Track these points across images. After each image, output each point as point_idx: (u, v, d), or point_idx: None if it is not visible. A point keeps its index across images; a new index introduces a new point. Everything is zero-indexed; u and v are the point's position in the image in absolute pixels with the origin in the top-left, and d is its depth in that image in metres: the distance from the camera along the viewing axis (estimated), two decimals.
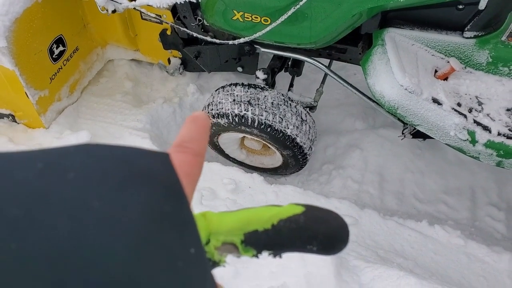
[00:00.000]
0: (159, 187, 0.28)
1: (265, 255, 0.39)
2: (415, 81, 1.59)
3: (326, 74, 2.18)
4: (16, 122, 2.42)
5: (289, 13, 1.69)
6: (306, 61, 2.04)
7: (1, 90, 2.20)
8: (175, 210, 0.28)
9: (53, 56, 2.26)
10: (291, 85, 2.25)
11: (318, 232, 0.38)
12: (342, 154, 2.36)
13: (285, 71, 2.28)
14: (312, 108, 2.16)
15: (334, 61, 2.17)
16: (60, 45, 2.29)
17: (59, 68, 2.33)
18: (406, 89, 1.59)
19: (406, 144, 2.37)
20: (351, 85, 2.05)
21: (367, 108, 2.51)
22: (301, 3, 1.64)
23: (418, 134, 1.98)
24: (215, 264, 0.38)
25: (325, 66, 2.06)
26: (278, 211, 0.38)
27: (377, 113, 2.48)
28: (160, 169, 0.29)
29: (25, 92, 2.13)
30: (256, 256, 0.39)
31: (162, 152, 0.31)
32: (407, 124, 1.85)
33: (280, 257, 0.39)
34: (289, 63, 2.27)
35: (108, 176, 0.27)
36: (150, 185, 0.27)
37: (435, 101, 1.60)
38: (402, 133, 2.06)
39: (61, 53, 2.31)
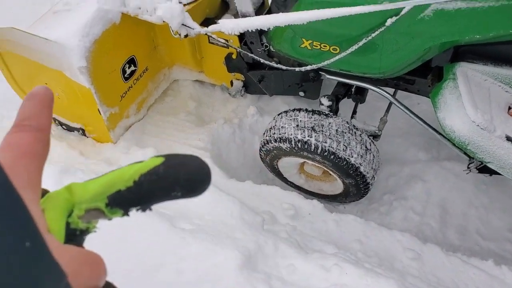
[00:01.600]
0: None
1: (133, 212, 0.39)
2: (488, 118, 1.55)
3: (390, 103, 2.16)
4: (85, 136, 2.54)
5: (360, 43, 1.70)
6: (371, 89, 2.04)
7: (75, 105, 2.32)
8: (2, 206, 0.27)
9: (125, 75, 2.37)
10: (355, 112, 2.24)
11: (178, 178, 0.37)
12: (404, 184, 2.31)
13: (348, 98, 2.28)
14: (376, 136, 2.14)
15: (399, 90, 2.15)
16: (132, 65, 2.40)
17: (129, 87, 2.43)
18: (478, 125, 1.54)
19: (470, 178, 2.29)
20: (416, 115, 2.01)
21: (431, 139, 2.45)
22: (373, 34, 1.65)
23: (484, 169, 1.91)
24: (84, 232, 0.38)
25: (391, 95, 2.04)
26: (139, 167, 0.38)
27: (442, 145, 2.42)
28: None
29: (98, 109, 2.24)
30: (126, 214, 0.39)
31: None
32: (473, 158, 1.79)
33: (150, 209, 0.39)
34: (353, 90, 2.26)
35: None
36: None
37: (509, 139, 1.55)
38: (468, 168, 1.99)
39: (132, 73, 2.42)
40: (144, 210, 0.38)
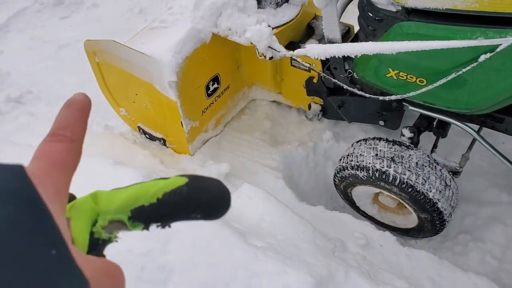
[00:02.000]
0: (13, 199, 0.28)
1: (153, 227, 0.39)
2: None
3: (474, 140, 2.09)
4: (166, 146, 2.67)
5: (449, 77, 1.67)
6: (455, 124, 1.98)
7: (160, 116, 2.45)
8: (31, 218, 0.28)
9: (208, 92, 2.47)
10: (435, 146, 2.18)
11: (200, 201, 0.38)
12: (482, 226, 2.21)
13: (429, 131, 2.23)
14: (456, 173, 2.08)
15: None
16: (215, 82, 2.50)
17: (210, 103, 2.53)
18: None
19: None
20: (501, 154, 1.93)
21: None
22: (464, 69, 1.62)
23: None
24: (105, 241, 0.39)
25: (475, 131, 1.98)
26: (163, 184, 0.38)
27: None
28: (13, 181, 0.30)
29: (181, 122, 2.35)
30: (146, 229, 0.39)
31: (15, 165, 0.31)
32: None
33: (169, 227, 0.39)
34: (435, 123, 2.21)
35: None
36: (3, 198, 0.28)
37: None
38: None
39: (215, 90, 2.52)
40: (163, 227, 0.39)
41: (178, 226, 1.44)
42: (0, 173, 0.30)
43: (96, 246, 0.39)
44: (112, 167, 1.88)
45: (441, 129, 2.18)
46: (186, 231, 1.65)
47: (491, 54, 1.53)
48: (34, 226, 0.28)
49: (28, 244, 0.27)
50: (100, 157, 2.00)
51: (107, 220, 0.39)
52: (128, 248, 1.59)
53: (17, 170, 0.31)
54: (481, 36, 1.54)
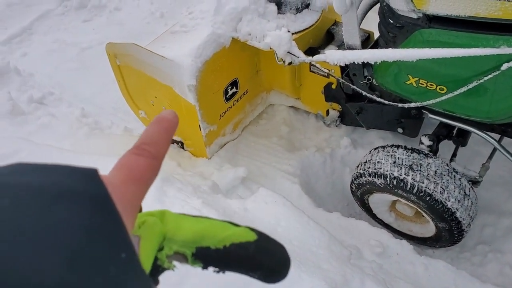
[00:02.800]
0: (88, 203, 0.29)
1: (210, 270, 0.39)
2: None
3: (494, 149, 2.06)
4: (183, 149, 2.69)
5: (470, 85, 1.65)
6: (476, 133, 1.96)
7: (178, 119, 2.47)
8: (104, 222, 0.29)
9: (226, 96, 2.49)
10: (454, 155, 2.16)
11: (263, 264, 0.38)
12: (502, 237, 2.17)
13: (448, 139, 2.21)
14: (475, 183, 2.05)
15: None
16: (234, 87, 2.51)
17: (229, 107, 2.55)
18: None
19: None
20: None
21: None
22: (485, 78, 1.60)
23: None
24: (164, 269, 0.39)
25: (496, 140, 1.95)
26: (233, 233, 0.38)
27: None
28: (88, 185, 0.30)
29: (199, 125, 2.36)
30: (205, 268, 0.39)
31: (90, 168, 0.32)
32: None
33: (224, 273, 0.39)
34: (455, 131, 2.19)
35: (39, 196, 0.28)
36: (79, 201, 0.29)
37: None
38: None
39: (233, 94, 2.53)
40: (219, 272, 0.39)
41: None
42: (74, 175, 0.31)
43: (156, 272, 0.39)
44: None
45: (461, 138, 2.16)
46: None
47: None
48: (107, 230, 0.29)
49: (99, 245, 0.28)
50: (118, 158, 2.02)
51: (173, 250, 0.39)
52: None
53: (92, 174, 0.32)
54: (504, 44, 1.52)
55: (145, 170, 0.38)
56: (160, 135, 0.41)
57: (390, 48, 1.77)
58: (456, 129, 2.17)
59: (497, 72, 1.57)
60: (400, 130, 2.27)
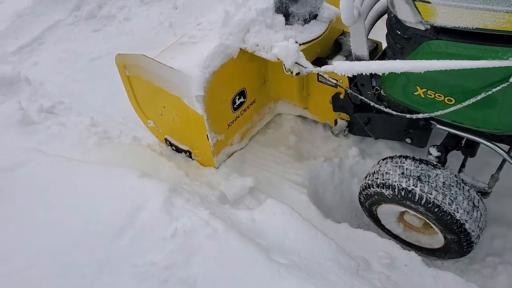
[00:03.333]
0: None
1: None
2: None
3: (504, 160, 2.04)
4: (191, 158, 2.70)
5: (479, 97, 1.64)
6: (485, 144, 1.94)
7: (186, 129, 2.49)
8: None
9: (234, 106, 2.50)
10: (463, 166, 2.14)
11: None
12: None
13: (457, 150, 2.20)
14: (485, 194, 2.03)
15: None
16: (242, 97, 2.52)
17: (236, 117, 2.56)
18: None
19: None
20: None
21: None
22: (494, 89, 1.59)
23: None
24: None
25: (505, 151, 1.93)
26: None
27: None
28: None
29: (207, 135, 2.37)
30: None
31: None
32: None
33: None
34: (463, 142, 2.18)
35: None
36: None
37: None
38: None
39: (241, 104, 2.54)
40: None
41: (202, 241, 1.45)
42: None
43: None
44: (138, 179, 1.92)
45: (470, 149, 2.15)
46: (210, 246, 1.66)
47: None
48: None
49: None
50: (128, 168, 2.04)
51: None
52: (151, 260, 1.61)
53: None
54: None
55: None
56: None
57: (398, 60, 1.77)
58: (464, 139, 2.16)
59: (506, 84, 1.57)
60: (408, 140, 2.27)
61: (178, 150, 2.72)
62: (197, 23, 2.54)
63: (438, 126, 2.03)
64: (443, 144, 2.13)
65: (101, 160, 2.43)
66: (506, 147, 2.03)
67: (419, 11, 1.68)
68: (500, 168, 2.10)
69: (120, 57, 2.42)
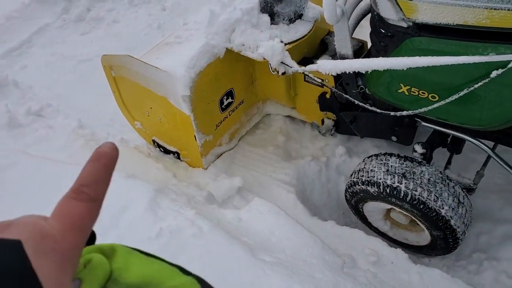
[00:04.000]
0: (9, 276, 0.29)
1: None
2: None
3: (489, 157, 2.06)
4: (179, 159, 2.69)
5: (461, 93, 1.65)
6: (470, 141, 1.95)
7: (174, 130, 2.49)
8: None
9: (222, 106, 2.50)
10: (449, 162, 2.16)
11: None
12: (498, 244, 2.16)
13: (443, 147, 2.21)
14: (470, 190, 2.04)
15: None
16: (230, 97, 2.52)
17: (225, 117, 2.56)
18: None
19: None
20: None
21: None
22: (476, 85, 1.60)
23: None
24: None
25: (490, 148, 1.95)
26: (179, 283, 0.39)
27: None
28: (9, 258, 0.30)
29: (194, 135, 2.37)
30: None
31: (13, 240, 0.31)
32: None
33: None
34: (449, 139, 2.19)
35: None
36: (2, 278, 0.28)
37: None
38: None
39: (229, 104, 2.54)
40: None
41: (187, 240, 1.45)
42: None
43: None
44: (124, 180, 1.91)
45: (456, 145, 2.16)
46: (194, 246, 1.66)
47: (503, 70, 1.52)
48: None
49: None
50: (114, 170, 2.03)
51: None
52: None
53: (15, 248, 0.31)
54: (492, 52, 1.53)
55: (85, 216, 0.37)
56: (99, 173, 0.39)
57: (380, 57, 1.78)
58: (450, 136, 2.17)
59: (487, 80, 1.58)
60: (394, 138, 2.28)
61: (166, 151, 2.71)
62: (183, 23, 2.54)
63: (423, 123, 2.03)
64: (428, 141, 2.14)
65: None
66: (491, 144, 2.05)
67: (401, 8, 1.69)
68: (485, 164, 2.11)
69: (106, 58, 2.42)
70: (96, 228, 1.48)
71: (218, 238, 1.68)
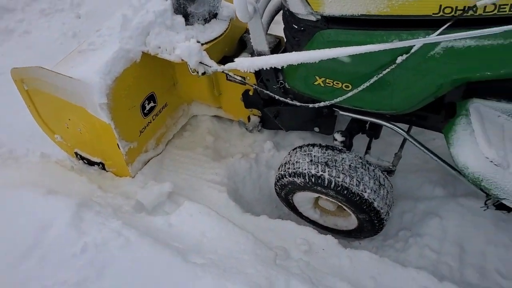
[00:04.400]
0: None
1: None
2: (502, 154, 1.54)
3: (405, 139, 2.17)
4: (105, 170, 2.61)
5: (371, 81, 1.72)
6: (385, 125, 2.05)
7: (95, 140, 2.40)
8: None
9: (144, 111, 2.45)
10: (369, 148, 2.25)
11: None
12: (420, 221, 2.28)
13: (362, 134, 2.30)
14: (390, 172, 2.14)
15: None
16: (152, 101, 2.48)
17: (148, 122, 2.51)
18: (491, 161, 1.54)
19: (488, 215, 2.24)
20: (431, 151, 2.02)
21: (446, 175, 2.43)
22: (383, 72, 1.68)
23: (502, 206, 1.89)
24: None
25: (404, 131, 2.05)
26: None
27: (458, 181, 2.38)
28: None
29: (117, 144, 2.30)
30: None
31: None
32: (489, 194, 1.78)
33: None
34: (367, 125, 2.28)
35: None
36: None
37: None
38: (485, 204, 1.97)
39: (152, 109, 2.50)
40: None
41: (114, 252, 1.40)
42: None
43: None
44: (42, 197, 1.82)
45: (373, 131, 2.25)
46: (122, 256, 1.62)
47: (407, 55, 1.60)
48: None
49: None
50: (31, 187, 1.93)
51: None
52: (61, 279, 1.54)
53: None
54: (395, 38, 1.60)
55: None
56: None
57: (293, 52, 1.81)
58: (368, 123, 2.26)
59: (394, 66, 1.65)
60: (316, 129, 2.34)
61: (91, 163, 2.61)
62: (96, 29, 2.45)
63: (341, 112, 2.11)
64: (347, 129, 2.22)
65: (4, 182, 2.27)
66: (406, 127, 2.16)
67: (308, 2, 1.72)
68: (402, 146, 2.22)
69: (15, 71, 2.29)
70: (14, 252, 1.38)
71: (146, 247, 1.65)
